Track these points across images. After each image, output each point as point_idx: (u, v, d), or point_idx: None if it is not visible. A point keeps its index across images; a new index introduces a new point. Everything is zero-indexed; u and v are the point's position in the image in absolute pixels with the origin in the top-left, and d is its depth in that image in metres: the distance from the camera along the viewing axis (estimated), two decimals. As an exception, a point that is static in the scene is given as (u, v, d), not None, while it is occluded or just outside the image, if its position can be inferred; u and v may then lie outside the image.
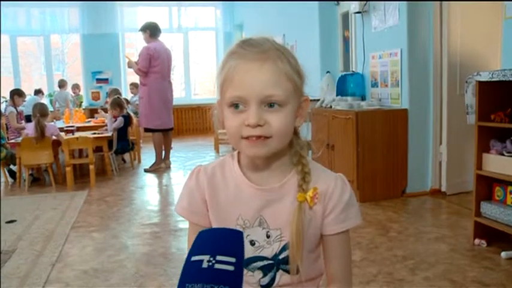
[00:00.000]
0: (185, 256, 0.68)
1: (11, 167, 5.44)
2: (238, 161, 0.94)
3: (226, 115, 0.87)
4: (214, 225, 0.95)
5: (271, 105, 0.83)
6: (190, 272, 0.65)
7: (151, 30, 5.72)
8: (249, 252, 0.92)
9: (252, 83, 0.82)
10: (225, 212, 0.93)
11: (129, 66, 5.90)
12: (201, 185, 0.95)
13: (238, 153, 0.94)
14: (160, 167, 5.84)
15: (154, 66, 5.62)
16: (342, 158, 4.10)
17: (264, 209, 0.91)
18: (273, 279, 0.93)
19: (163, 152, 5.95)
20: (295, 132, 0.92)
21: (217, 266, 0.64)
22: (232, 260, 0.65)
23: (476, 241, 2.84)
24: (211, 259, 0.65)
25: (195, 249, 0.68)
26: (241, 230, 0.91)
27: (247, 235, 0.92)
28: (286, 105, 0.84)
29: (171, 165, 6.02)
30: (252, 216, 0.91)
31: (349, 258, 0.97)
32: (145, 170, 5.78)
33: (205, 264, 0.64)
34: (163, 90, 5.75)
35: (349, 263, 0.96)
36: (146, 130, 5.88)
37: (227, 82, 0.85)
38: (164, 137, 5.88)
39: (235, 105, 0.85)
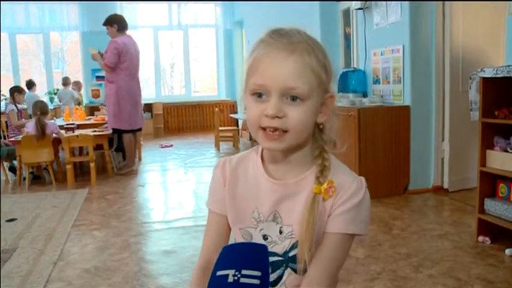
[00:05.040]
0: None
1: (14, 162, 5.42)
2: (261, 154, 0.94)
3: (247, 103, 0.86)
4: (230, 217, 0.94)
5: (293, 98, 0.81)
6: (216, 286, 0.66)
7: (119, 24, 5.23)
8: None
9: (276, 73, 0.81)
10: (242, 204, 0.93)
11: (94, 59, 5.41)
12: (225, 174, 0.96)
13: None
14: (133, 169, 5.49)
15: (123, 63, 5.17)
16: (344, 155, 4.05)
17: (280, 204, 0.90)
18: (280, 277, 0.92)
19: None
20: (320, 128, 0.91)
21: (242, 280, 0.65)
22: (258, 273, 0.66)
23: (480, 238, 2.83)
24: (237, 273, 0.66)
25: (220, 264, 0.68)
26: (255, 223, 0.91)
27: (261, 229, 0.91)
28: (308, 99, 0.82)
29: (171, 164, 5.99)
30: (267, 210, 0.90)
31: (336, 267, 0.87)
32: (117, 173, 5.43)
33: (230, 279, 0.65)
34: (132, 88, 5.33)
35: (333, 273, 0.87)
36: (114, 131, 5.41)
37: (252, 69, 0.84)
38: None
39: (257, 94, 0.83)
